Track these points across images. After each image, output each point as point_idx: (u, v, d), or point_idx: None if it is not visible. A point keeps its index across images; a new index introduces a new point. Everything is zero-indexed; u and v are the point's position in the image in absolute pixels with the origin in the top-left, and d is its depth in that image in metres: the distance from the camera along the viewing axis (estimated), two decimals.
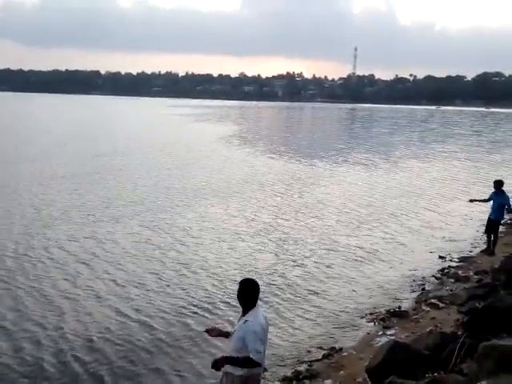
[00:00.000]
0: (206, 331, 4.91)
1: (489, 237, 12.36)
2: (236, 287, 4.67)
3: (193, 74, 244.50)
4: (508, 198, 12.15)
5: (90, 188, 18.75)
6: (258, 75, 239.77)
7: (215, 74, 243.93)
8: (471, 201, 13.03)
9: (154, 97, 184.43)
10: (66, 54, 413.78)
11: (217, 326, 5.17)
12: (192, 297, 9.28)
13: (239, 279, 4.81)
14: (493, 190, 12.52)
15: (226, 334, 4.78)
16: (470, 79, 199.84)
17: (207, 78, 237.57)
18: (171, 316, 8.47)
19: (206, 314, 8.56)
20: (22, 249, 11.69)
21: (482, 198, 13.08)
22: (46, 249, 11.75)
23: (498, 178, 12.92)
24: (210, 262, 11.22)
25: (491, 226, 12.26)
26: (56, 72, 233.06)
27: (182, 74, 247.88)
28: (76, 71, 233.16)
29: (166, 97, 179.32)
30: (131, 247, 12.10)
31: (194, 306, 8.91)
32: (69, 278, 10.00)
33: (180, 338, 7.77)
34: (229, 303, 8.78)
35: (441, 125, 69.59)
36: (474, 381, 4.50)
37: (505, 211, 12.44)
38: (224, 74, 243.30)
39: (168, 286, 9.81)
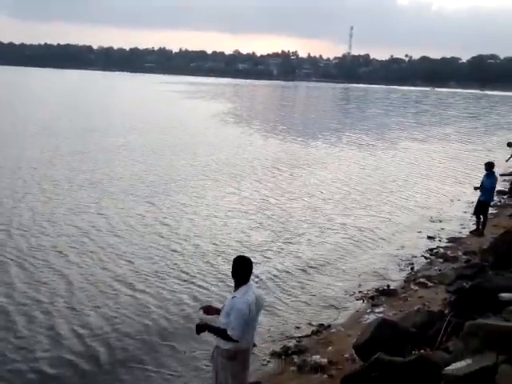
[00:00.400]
0: (203, 309, 4.90)
1: (478, 218, 12.46)
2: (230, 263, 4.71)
3: (186, 51, 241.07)
4: (496, 180, 12.21)
5: (89, 165, 18.53)
6: (253, 53, 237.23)
7: (209, 51, 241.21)
8: (476, 188, 12.98)
9: (146, 73, 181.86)
10: (57, 28, 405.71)
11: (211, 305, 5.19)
12: (186, 272, 9.37)
13: (233, 255, 4.85)
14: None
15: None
16: (465, 61, 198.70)
17: (201, 55, 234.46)
18: (166, 291, 8.57)
19: (201, 289, 8.66)
20: (17, 223, 11.69)
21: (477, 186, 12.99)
22: (50, 223, 11.79)
23: (489, 160, 12.95)
24: (206, 238, 11.28)
25: (481, 208, 12.35)
26: (47, 46, 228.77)
27: (175, 50, 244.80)
28: (68, 46, 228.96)
29: (159, 73, 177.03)
30: (126, 223, 12.11)
31: (189, 280, 9.01)
32: (63, 252, 10.06)
33: (175, 312, 7.87)
34: (224, 279, 8.84)
35: (435, 106, 69.39)
36: (459, 358, 4.57)
37: (494, 193, 12.52)
38: (218, 51, 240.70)
39: (163, 260, 9.89)
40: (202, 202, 14.35)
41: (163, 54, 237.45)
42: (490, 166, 12.33)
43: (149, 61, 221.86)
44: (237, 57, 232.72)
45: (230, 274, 4.69)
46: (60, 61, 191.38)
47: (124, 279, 8.96)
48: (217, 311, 4.87)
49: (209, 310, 4.86)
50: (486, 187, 12.23)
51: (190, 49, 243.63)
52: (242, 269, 4.60)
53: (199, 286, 8.78)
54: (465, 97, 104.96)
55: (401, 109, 62.58)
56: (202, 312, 4.87)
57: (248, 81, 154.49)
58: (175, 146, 24.26)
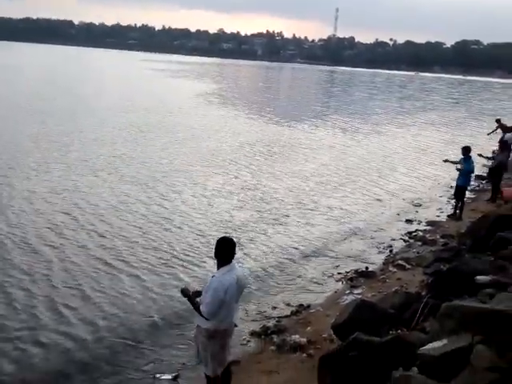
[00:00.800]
0: (182, 291, 4.87)
1: (457, 202, 12.65)
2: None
3: (170, 29, 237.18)
4: (472, 164, 12.35)
5: (72, 146, 18.14)
6: (237, 32, 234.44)
7: (193, 30, 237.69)
8: (445, 161, 13.19)
9: (128, 50, 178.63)
10: (38, 2, 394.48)
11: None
12: (173, 251, 9.44)
13: (218, 235, 4.88)
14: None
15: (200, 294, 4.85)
16: (449, 46, 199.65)
17: (184, 33, 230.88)
18: (155, 267, 8.67)
19: (190, 266, 8.77)
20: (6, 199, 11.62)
21: (455, 160, 13.17)
22: (43, 201, 11.72)
23: (467, 145, 13.07)
24: (193, 218, 11.32)
25: (457, 192, 12.52)
26: (27, 20, 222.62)
27: (158, 27, 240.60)
28: (48, 20, 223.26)
29: (142, 51, 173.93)
30: (114, 201, 12.08)
31: (176, 258, 9.10)
32: (54, 229, 10.05)
33: (167, 286, 8.02)
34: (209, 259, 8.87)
35: (419, 91, 69.65)
36: (435, 339, 4.65)
37: (471, 177, 12.67)
38: (202, 29, 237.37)
39: (148, 236, 10.01)
40: (187, 182, 14.29)
41: (146, 31, 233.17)
42: (466, 151, 12.41)
43: (131, 38, 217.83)
44: (221, 36, 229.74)
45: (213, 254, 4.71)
46: (40, 35, 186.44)
47: (116, 256, 9.03)
48: (197, 293, 4.88)
49: (187, 291, 4.86)
50: (463, 171, 12.39)
51: (173, 26, 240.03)
52: (223, 249, 4.61)
53: (185, 265, 8.83)
54: (448, 82, 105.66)
55: (386, 93, 62.72)
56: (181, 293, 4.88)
57: (232, 60, 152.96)
58: (160, 126, 23.90)
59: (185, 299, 4.82)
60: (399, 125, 31.36)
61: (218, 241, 4.70)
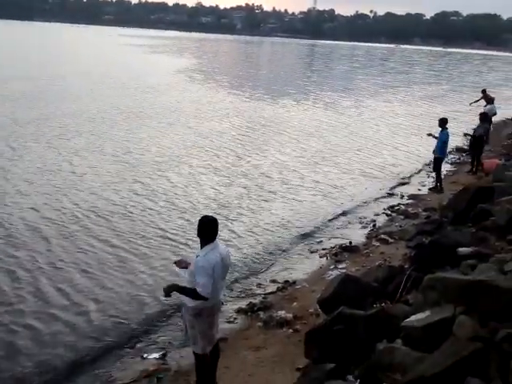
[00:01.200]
0: (175, 263, 4.97)
1: (436, 174, 12.79)
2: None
3: (146, 2, 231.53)
4: (447, 135, 12.47)
5: (56, 123, 17.95)
6: (216, 6, 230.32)
7: (170, 3, 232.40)
8: (429, 135, 13.29)
9: (105, 25, 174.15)
10: None
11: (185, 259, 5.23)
12: (161, 228, 9.50)
13: (203, 213, 4.87)
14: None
15: None
16: (428, 18, 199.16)
17: (161, 7, 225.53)
18: (142, 247, 8.69)
19: (177, 244, 8.78)
20: None
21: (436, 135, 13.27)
22: (26, 183, 11.62)
23: (443, 117, 13.15)
24: (178, 196, 11.33)
25: (434, 163, 12.65)
26: None
27: (134, 1, 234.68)
28: None
29: (118, 26, 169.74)
30: (99, 181, 12.00)
31: (163, 237, 9.11)
32: (39, 210, 10.04)
33: (154, 266, 8.06)
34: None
35: (401, 64, 69.46)
36: (419, 310, 4.74)
37: (447, 149, 12.80)
38: (180, 3, 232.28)
39: (133, 216, 10.01)
40: (174, 159, 14.28)
41: (122, 4, 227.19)
42: (443, 122, 12.54)
43: (107, 12, 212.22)
44: (199, 9, 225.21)
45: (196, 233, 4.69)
46: (8, 10, 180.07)
47: (100, 236, 9.01)
48: (187, 264, 4.89)
49: (180, 262, 4.90)
50: (439, 143, 12.50)
51: (150, 0, 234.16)
52: (205, 228, 4.60)
53: (173, 244, 8.84)
54: (429, 54, 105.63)
55: (367, 67, 62.42)
56: (175, 265, 4.96)
57: (211, 35, 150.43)
58: (142, 103, 23.49)
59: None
60: (382, 99, 31.29)
61: (200, 220, 4.67)
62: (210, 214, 4.97)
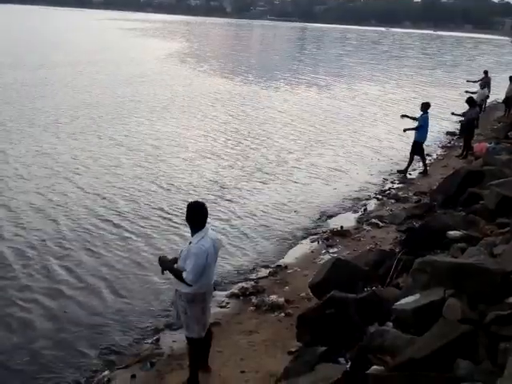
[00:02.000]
0: (159, 259, 4.85)
1: (422, 159, 12.87)
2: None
3: None
4: (426, 119, 12.54)
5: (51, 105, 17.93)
6: None
7: None
8: (403, 116, 13.38)
9: (95, 9, 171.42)
10: None
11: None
12: (163, 210, 9.61)
13: (199, 196, 4.86)
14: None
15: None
16: (419, 0, 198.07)
17: None
18: (138, 230, 8.77)
19: (174, 228, 8.83)
20: None
21: (413, 116, 13.26)
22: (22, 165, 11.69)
23: (426, 101, 13.14)
24: (177, 178, 11.43)
25: (415, 147, 12.70)
26: None
27: None
28: None
29: (108, 9, 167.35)
30: (99, 164, 12.10)
31: (160, 221, 9.18)
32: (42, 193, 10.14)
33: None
34: None
35: (394, 48, 69.10)
36: (409, 293, 4.79)
37: (427, 133, 12.85)
38: None
39: (133, 198, 10.12)
40: (173, 143, 14.38)
41: None
42: (425, 107, 12.59)
43: None
44: None
45: (186, 221, 4.66)
46: None
47: (104, 217, 9.13)
48: (174, 260, 4.88)
49: (165, 260, 4.85)
50: (417, 127, 12.59)
51: None
52: (195, 215, 4.58)
53: (170, 228, 8.89)
54: (420, 37, 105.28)
55: (360, 50, 62.11)
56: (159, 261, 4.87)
57: (201, 18, 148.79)
58: (135, 89, 23.22)
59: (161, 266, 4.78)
60: (376, 83, 31.00)
61: (191, 206, 4.63)
62: (200, 200, 4.94)
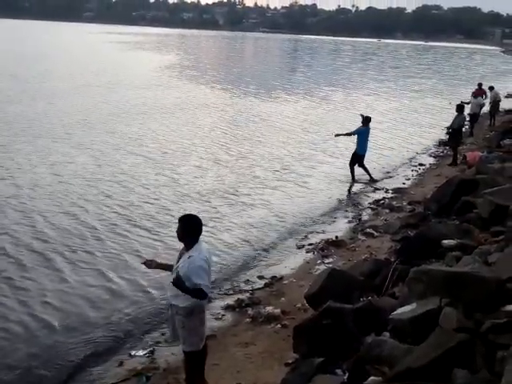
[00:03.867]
0: (145, 263, 4.83)
1: (365, 169, 12.99)
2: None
3: None
4: (362, 131, 12.74)
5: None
6: (198, 1, 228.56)
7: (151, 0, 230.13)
8: (337, 135, 13.56)
9: (86, 22, 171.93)
10: None
11: (155, 258, 5.19)
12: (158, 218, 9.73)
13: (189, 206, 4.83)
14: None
15: (166, 267, 4.80)
16: (410, 11, 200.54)
17: (143, 4, 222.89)
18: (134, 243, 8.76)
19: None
20: None
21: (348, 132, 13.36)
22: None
23: (368, 115, 13.25)
24: (170, 190, 11.47)
25: (357, 160, 12.85)
26: None
27: None
28: None
29: (99, 23, 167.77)
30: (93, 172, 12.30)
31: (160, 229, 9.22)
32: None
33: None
34: None
35: (391, 59, 69.48)
36: (405, 303, 4.79)
37: (366, 145, 12.94)
38: None
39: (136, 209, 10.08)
40: (172, 153, 14.52)
41: (102, 2, 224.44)
42: (365, 121, 12.84)
43: (88, 9, 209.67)
44: (181, 6, 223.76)
45: (178, 235, 4.53)
46: None
47: (95, 230, 9.13)
48: (160, 265, 4.83)
49: (151, 263, 4.79)
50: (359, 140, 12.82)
51: None
52: (196, 227, 4.52)
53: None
54: (413, 48, 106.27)
55: (359, 61, 62.52)
56: (144, 265, 4.83)
57: (194, 31, 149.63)
58: (136, 103, 23.22)
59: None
60: (377, 93, 31.26)
61: (188, 220, 4.54)
62: (193, 213, 4.90)
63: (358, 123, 13.26)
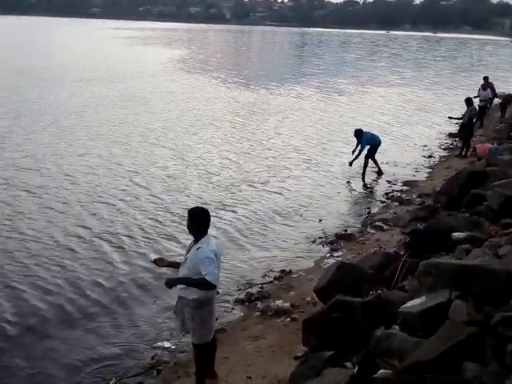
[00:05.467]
0: (154, 262, 4.90)
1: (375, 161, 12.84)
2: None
3: None
4: (366, 139, 12.60)
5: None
6: None
7: None
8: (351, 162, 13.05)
9: (93, 18, 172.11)
10: None
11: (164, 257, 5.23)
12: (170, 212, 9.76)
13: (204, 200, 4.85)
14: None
15: (176, 265, 4.82)
16: (418, 3, 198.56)
17: None
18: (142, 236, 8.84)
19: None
20: None
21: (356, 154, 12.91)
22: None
23: (358, 128, 13.13)
24: (187, 182, 11.67)
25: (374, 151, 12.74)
26: None
27: None
28: None
29: (106, 18, 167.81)
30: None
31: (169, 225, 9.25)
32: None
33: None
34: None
35: (406, 51, 68.61)
36: (415, 296, 4.78)
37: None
38: None
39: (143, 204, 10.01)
40: (179, 150, 14.45)
41: None
42: (357, 134, 12.66)
43: (94, 5, 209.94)
44: (187, 0, 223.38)
45: (188, 228, 4.63)
46: None
47: (97, 230, 9.09)
48: (170, 264, 4.88)
49: (161, 261, 4.85)
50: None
51: None
52: (204, 220, 4.57)
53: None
54: (423, 40, 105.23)
55: (375, 53, 62.02)
56: (154, 264, 4.88)
57: (201, 25, 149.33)
58: (139, 94, 23.49)
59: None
60: (391, 85, 31.08)
61: (197, 212, 4.61)
62: (200, 206, 4.95)
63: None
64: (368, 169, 12.86)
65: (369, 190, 11.88)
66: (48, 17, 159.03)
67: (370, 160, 12.72)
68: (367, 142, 12.62)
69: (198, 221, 4.57)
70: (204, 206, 4.78)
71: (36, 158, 13.06)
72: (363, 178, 12.61)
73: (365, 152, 12.64)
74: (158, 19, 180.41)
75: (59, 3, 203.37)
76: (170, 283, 4.56)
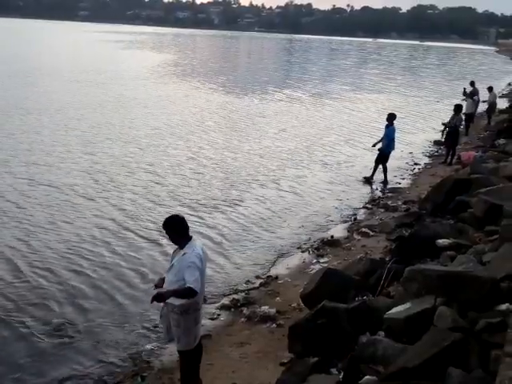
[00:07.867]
0: (156, 286, 4.77)
1: (376, 166, 12.92)
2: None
3: None
4: (392, 130, 12.75)
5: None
6: (193, 1, 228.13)
7: None
8: (373, 146, 13.34)
9: (80, 21, 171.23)
10: None
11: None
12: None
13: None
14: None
15: None
16: (405, 11, 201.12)
17: (138, 3, 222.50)
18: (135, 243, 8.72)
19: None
20: None
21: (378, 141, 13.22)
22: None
23: (392, 112, 13.27)
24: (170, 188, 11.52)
25: (381, 157, 12.83)
26: None
27: None
28: None
29: (94, 22, 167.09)
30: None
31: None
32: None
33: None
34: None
35: (399, 59, 69.18)
36: (400, 302, 4.80)
37: (394, 143, 12.96)
38: None
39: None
40: (161, 156, 14.32)
41: (97, 0, 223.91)
42: (391, 118, 12.77)
43: (82, 8, 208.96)
44: (176, 4, 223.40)
45: (171, 240, 4.68)
46: None
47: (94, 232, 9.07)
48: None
49: (161, 283, 4.78)
50: (385, 140, 12.75)
51: None
52: (182, 226, 4.57)
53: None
54: (412, 48, 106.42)
55: (368, 61, 62.41)
56: (155, 288, 4.76)
57: (189, 30, 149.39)
58: (131, 101, 23.20)
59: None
60: (385, 93, 31.34)
61: (172, 221, 4.61)
62: (172, 214, 4.95)
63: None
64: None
65: (354, 196, 11.92)
66: (36, 19, 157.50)
67: (377, 164, 12.83)
68: (389, 133, 12.67)
69: (174, 229, 4.58)
70: (176, 213, 4.79)
71: None
72: (371, 178, 12.83)
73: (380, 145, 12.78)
74: (145, 23, 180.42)
75: (47, 6, 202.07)
76: (159, 300, 4.46)
